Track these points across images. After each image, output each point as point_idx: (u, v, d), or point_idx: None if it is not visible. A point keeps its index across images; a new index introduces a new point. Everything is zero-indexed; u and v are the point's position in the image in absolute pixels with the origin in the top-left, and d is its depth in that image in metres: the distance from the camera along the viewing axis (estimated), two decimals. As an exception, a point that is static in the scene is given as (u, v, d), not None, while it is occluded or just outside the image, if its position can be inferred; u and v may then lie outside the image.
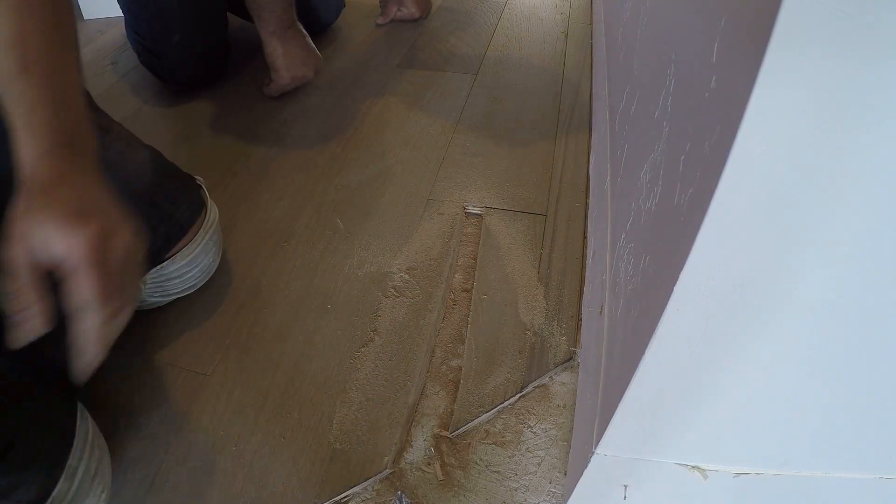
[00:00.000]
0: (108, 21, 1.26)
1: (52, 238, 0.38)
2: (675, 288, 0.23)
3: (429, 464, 0.49)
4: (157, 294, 0.61)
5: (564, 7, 1.27)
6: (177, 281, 0.60)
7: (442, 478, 0.48)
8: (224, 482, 0.49)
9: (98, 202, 0.42)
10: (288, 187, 0.79)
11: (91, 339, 0.40)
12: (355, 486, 0.48)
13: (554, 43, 1.13)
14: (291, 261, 0.68)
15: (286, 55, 0.92)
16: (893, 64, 0.16)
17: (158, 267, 0.58)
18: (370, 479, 0.48)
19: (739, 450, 0.32)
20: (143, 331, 0.61)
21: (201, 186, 0.63)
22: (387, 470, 0.49)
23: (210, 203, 0.63)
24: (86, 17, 1.28)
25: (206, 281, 0.64)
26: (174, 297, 0.62)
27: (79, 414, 0.46)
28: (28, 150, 0.41)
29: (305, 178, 0.81)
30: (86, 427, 0.47)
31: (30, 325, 0.38)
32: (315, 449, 0.51)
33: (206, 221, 0.61)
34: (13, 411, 0.41)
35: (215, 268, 0.65)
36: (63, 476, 0.43)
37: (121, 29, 1.05)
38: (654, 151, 0.34)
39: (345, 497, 0.48)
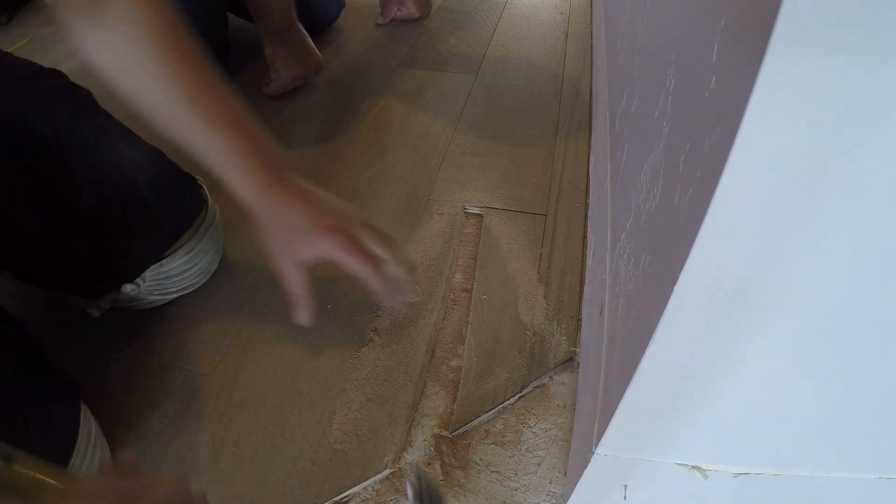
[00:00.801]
0: (108, 21, 1.26)
1: (306, 251, 0.51)
2: (675, 288, 0.23)
3: (429, 464, 0.49)
4: (157, 292, 0.61)
5: (564, 7, 1.27)
6: (176, 279, 0.61)
7: (442, 478, 0.48)
8: (224, 482, 0.49)
9: (322, 206, 0.52)
10: (288, 187, 0.79)
11: (380, 288, 0.53)
12: (355, 486, 0.48)
13: (554, 43, 1.13)
14: (291, 261, 0.68)
15: (286, 55, 0.92)
16: (894, 64, 0.16)
17: (158, 264, 0.58)
18: (370, 479, 0.48)
19: (739, 450, 0.32)
20: (143, 331, 0.61)
21: (202, 185, 0.63)
22: (387, 470, 0.49)
23: (210, 202, 0.63)
24: (86, 17, 1.28)
25: (205, 280, 0.64)
26: (174, 295, 0.62)
27: (81, 414, 0.47)
28: (243, 189, 0.50)
29: (305, 178, 0.81)
30: (88, 427, 0.47)
31: (303, 314, 0.53)
32: (315, 449, 0.51)
33: (206, 220, 0.61)
34: (17, 413, 0.41)
35: (215, 267, 0.65)
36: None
37: (121, 29, 1.05)
38: (654, 151, 0.34)
39: (345, 497, 0.48)
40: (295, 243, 0.51)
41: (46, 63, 0.58)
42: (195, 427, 0.53)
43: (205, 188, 0.63)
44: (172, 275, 0.60)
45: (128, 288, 0.58)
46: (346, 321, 0.61)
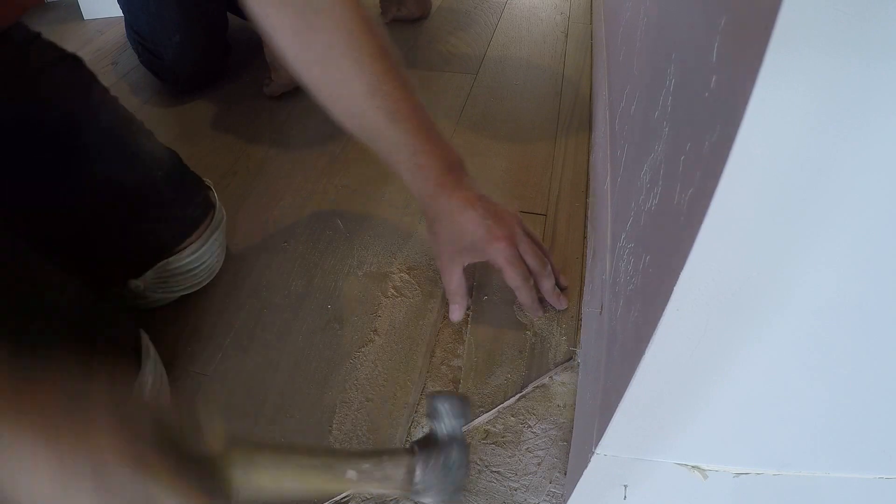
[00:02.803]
0: (108, 21, 1.26)
1: (472, 256, 0.55)
2: (675, 288, 0.23)
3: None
4: (161, 291, 0.61)
5: (564, 7, 1.27)
6: (181, 277, 0.61)
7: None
8: (224, 482, 0.49)
9: (494, 213, 0.55)
10: (288, 187, 0.79)
11: (530, 302, 0.57)
12: (355, 486, 0.48)
13: (554, 43, 1.13)
14: (291, 261, 0.68)
15: (286, 55, 0.92)
16: (894, 63, 0.16)
17: (165, 262, 0.59)
18: (370, 479, 0.48)
19: (739, 450, 0.32)
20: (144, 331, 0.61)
21: (210, 188, 0.64)
22: (387, 470, 0.49)
23: (219, 205, 0.64)
24: (85, 17, 1.28)
25: (209, 281, 0.65)
26: (178, 294, 0.62)
27: (141, 333, 0.49)
28: (419, 188, 0.55)
29: (305, 178, 0.81)
30: (146, 344, 0.49)
31: (458, 312, 0.58)
32: (315, 449, 0.51)
33: (213, 221, 0.62)
34: (90, 335, 0.43)
35: (218, 269, 0.65)
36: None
37: (121, 29, 1.05)
38: (654, 151, 0.34)
39: (345, 497, 0.48)
40: (463, 246, 0.55)
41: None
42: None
43: (213, 191, 0.64)
44: (178, 273, 0.60)
45: (133, 283, 0.58)
46: (347, 321, 0.61)
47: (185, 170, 0.62)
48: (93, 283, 0.59)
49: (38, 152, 0.51)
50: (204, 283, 0.64)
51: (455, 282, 0.57)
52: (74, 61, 0.55)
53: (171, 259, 0.59)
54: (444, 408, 0.39)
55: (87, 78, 0.56)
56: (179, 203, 0.59)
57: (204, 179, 0.64)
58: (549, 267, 0.58)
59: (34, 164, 0.52)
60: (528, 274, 0.56)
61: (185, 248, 0.59)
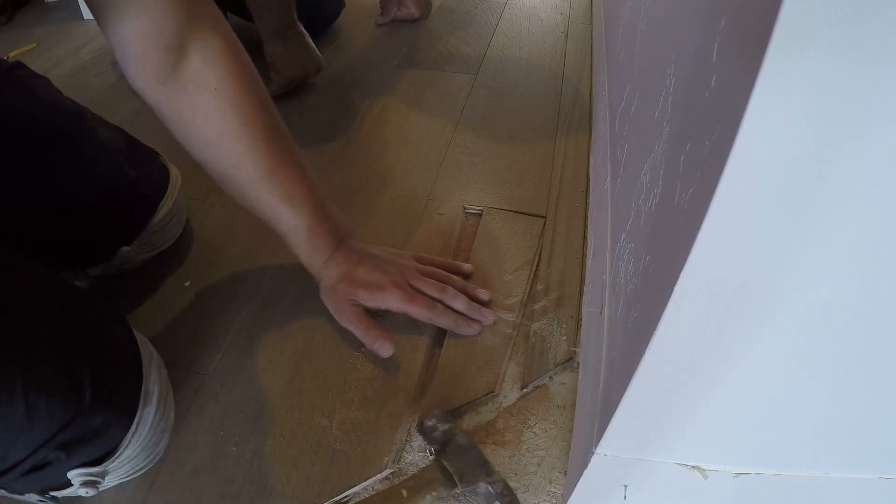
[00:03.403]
0: (108, 21, 1.26)
1: (371, 303, 0.57)
2: (675, 288, 0.23)
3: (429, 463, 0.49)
4: (145, 251, 0.65)
5: (564, 7, 1.27)
6: (159, 234, 0.66)
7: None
8: (224, 482, 0.49)
9: (381, 264, 0.58)
10: (288, 187, 0.79)
11: (453, 325, 0.58)
12: (355, 486, 0.48)
13: (554, 43, 1.13)
14: (291, 261, 0.68)
15: (286, 55, 0.92)
16: (894, 64, 0.16)
17: (144, 230, 0.63)
18: (370, 479, 0.48)
19: (739, 450, 0.32)
20: (143, 330, 0.61)
21: (158, 153, 0.69)
22: (387, 470, 0.49)
23: (171, 165, 0.69)
24: (85, 17, 1.28)
25: (180, 233, 0.70)
26: (158, 250, 0.67)
27: (138, 339, 0.49)
28: (308, 260, 0.59)
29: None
30: (148, 351, 0.49)
31: (385, 346, 0.55)
32: (315, 449, 0.51)
33: (171, 181, 0.67)
34: (87, 348, 0.43)
35: (184, 221, 0.71)
36: (142, 402, 0.45)
37: (121, 29, 1.05)
38: (654, 151, 0.34)
39: (345, 497, 0.48)
40: (363, 299, 0.57)
41: (47, 63, 0.59)
42: (195, 427, 0.53)
43: (161, 155, 0.69)
44: (156, 231, 0.65)
45: (124, 250, 0.62)
46: (346, 321, 0.61)
47: (136, 144, 0.66)
48: (79, 263, 0.63)
49: (11, 157, 0.54)
50: (177, 236, 0.69)
51: (365, 327, 0.56)
52: (21, 68, 0.59)
53: (147, 226, 0.64)
54: (430, 423, 0.49)
55: (36, 81, 0.59)
56: (144, 175, 0.63)
57: (150, 147, 0.68)
58: (451, 290, 0.58)
59: (11, 169, 0.55)
60: (433, 303, 0.57)
61: (159, 209, 0.64)
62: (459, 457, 0.46)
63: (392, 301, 0.56)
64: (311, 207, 0.56)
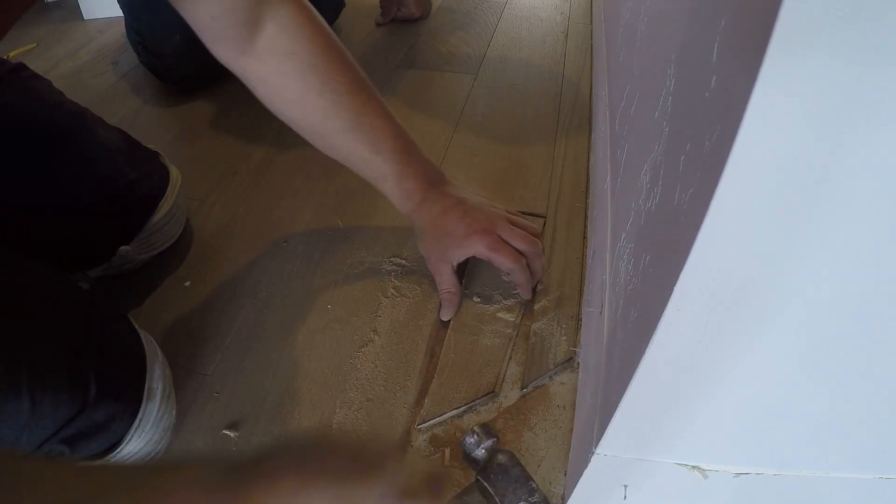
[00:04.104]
0: (108, 21, 1.26)
1: (459, 252, 0.58)
2: (675, 288, 0.23)
3: (429, 464, 0.49)
4: (145, 251, 0.65)
5: (564, 7, 1.27)
6: (159, 234, 0.66)
7: (442, 477, 0.48)
8: (224, 482, 0.49)
9: (472, 210, 0.58)
10: (288, 187, 0.79)
11: (524, 282, 0.59)
12: (355, 486, 0.48)
13: (554, 43, 1.13)
14: (291, 261, 0.68)
15: (286, 55, 0.92)
16: (894, 64, 0.16)
17: (143, 229, 0.64)
18: (370, 479, 0.48)
19: (739, 450, 0.32)
20: (144, 330, 0.61)
21: (159, 153, 0.69)
22: (387, 470, 0.49)
23: (170, 165, 0.69)
24: (85, 17, 1.28)
25: (180, 232, 0.69)
26: (158, 250, 0.67)
27: (142, 337, 0.50)
28: (401, 205, 0.59)
29: (305, 178, 0.81)
30: (153, 349, 0.50)
31: (447, 309, 0.59)
32: (315, 449, 0.51)
33: (171, 181, 0.67)
34: (92, 344, 0.44)
35: (185, 219, 0.71)
36: (145, 398, 0.46)
37: (121, 29, 1.05)
38: (654, 151, 0.34)
39: (345, 497, 0.48)
40: (448, 246, 0.58)
41: (46, 63, 0.59)
42: (195, 427, 0.53)
43: (162, 155, 0.69)
44: (156, 230, 0.65)
45: (123, 250, 0.62)
46: (346, 321, 0.61)
47: (136, 145, 0.67)
48: (79, 264, 0.63)
49: (12, 157, 0.55)
50: (177, 235, 0.69)
51: (446, 280, 0.59)
52: (23, 69, 0.59)
53: (147, 226, 0.64)
54: (471, 440, 0.48)
55: (36, 82, 0.60)
56: (144, 175, 0.64)
57: (150, 147, 0.68)
58: (540, 247, 0.60)
59: (12, 169, 0.55)
60: (518, 255, 0.57)
61: (158, 209, 0.65)
62: (501, 477, 0.45)
63: (478, 247, 0.57)
64: (398, 154, 0.57)
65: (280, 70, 0.51)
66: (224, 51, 0.50)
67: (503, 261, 0.57)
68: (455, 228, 0.57)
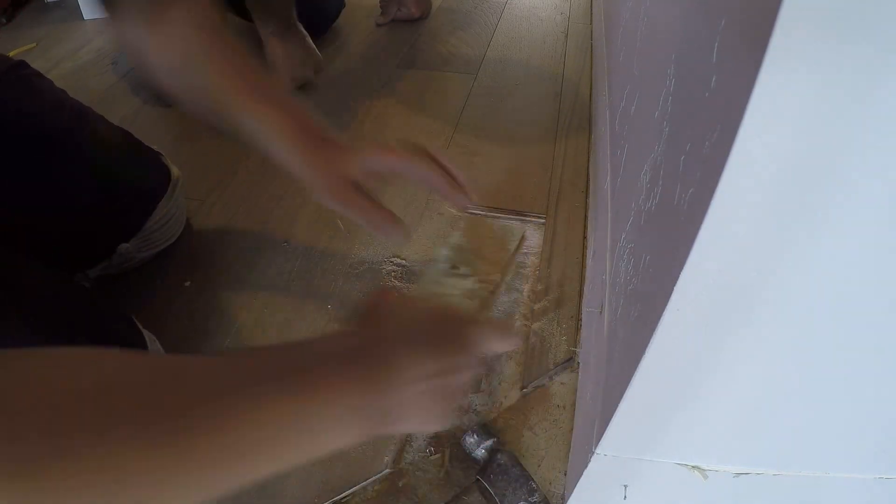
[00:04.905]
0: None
1: (355, 168, 0.50)
2: (675, 288, 0.23)
3: (429, 464, 0.49)
4: (144, 250, 0.66)
5: (564, 7, 1.27)
6: (159, 233, 0.66)
7: (442, 478, 0.48)
8: (224, 482, 0.49)
9: (359, 144, 0.52)
10: (288, 187, 0.79)
11: (447, 187, 0.50)
12: (355, 486, 0.48)
13: (554, 43, 1.13)
14: (291, 261, 0.68)
15: (286, 55, 0.92)
16: (894, 64, 0.16)
17: (143, 227, 0.64)
18: (370, 479, 0.48)
19: (739, 450, 0.32)
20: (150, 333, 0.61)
21: (160, 153, 0.70)
22: (387, 470, 0.49)
23: (171, 165, 0.70)
24: (85, 17, 1.28)
25: (180, 232, 0.70)
26: (158, 249, 0.67)
27: (146, 336, 0.50)
28: (287, 160, 0.52)
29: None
30: (156, 349, 0.50)
31: (397, 228, 0.50)
32: (315, 449, 0.51)
33: (172, 180, 0.68)
34: (93, 342, 0.44)
35: (184, 220, 0.71)
36: None
37: (121, 29, 1.05)
38: (654, 151, 0.34)
39: (345, 497, 0.48)
40: (342, 172, 0.50)
41: (47, 63, 0.59)
42: (195, 427, 0.53)
43: (163, 155, 0.70)
44: (156, 229, 0.66)
45: (123, 247, 0.62)
46: (346, 321, 0.61)
47: (138, 144, 0.67)
48: (80, 263, 0.63)
49: (13, 155, 0.55)
50: (177, 235, 0.69)
51: (362, 206, 0.50)
52: (25, 67, 0.59)
53: (147, 224, 0.64)
54: (471, 439, 0.47)
55: (40, 81, 0.60)
56: (146, 173, 0.65)
57: (151, 147, 0.69)
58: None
59: (13, 168, 0.56)
60: (413, 158, 0.51)
61: (157, 207, 0.65)
62: (500, 477, 0.45)
63: (372, 149, 0.50)
64: (278, 109, 0.52)
65: (183, 36, 0.49)
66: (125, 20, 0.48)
67: (398, 160, 0.51)
68: (338, 151, 0.51)
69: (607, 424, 0.32)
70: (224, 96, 0.51)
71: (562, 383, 0.55)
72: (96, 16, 1.28)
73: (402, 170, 0.51)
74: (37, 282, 0.43)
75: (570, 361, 0.56)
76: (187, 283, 0.66)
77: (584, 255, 0.67)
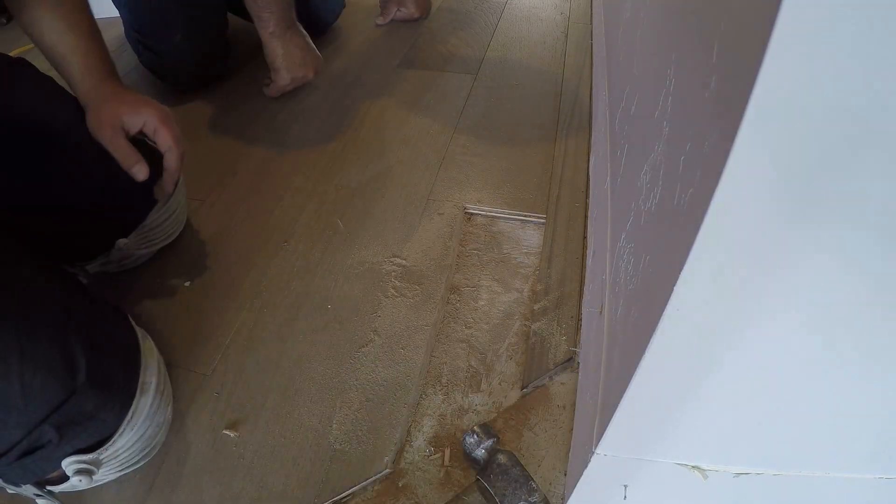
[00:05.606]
0: (108, 21, 1.26)
1: (137, 118, 0.60)
2: (674, 288, 0.23)
3: (429, 464, 0.49)
4: (145, 246, 0.66)
5: (564, 7, 1.28)
6: (158, 230, 0.66)
7: (442, 478, 0.48)
8: (224, 482, 0.49)
9: (142, 97, 0.62)
10: (288, 187, 0.79)
11: (175, 165, 0.63)
12: (355, 486, 0.48)
13: (554, 43, 1.13)
14: (291, 261, 0.68)
15: (286, 55, 0.92)
16: (894, 64, 0.16)
17: (142, 224, 0.64)
18: (370, 479, 0.48)
19: (739, 450, 0.32)
20: (144, 330, 0.61)
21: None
22: (387, 470, 0.49)
23: None
24: (86, 17, 1.28)
25: (180, 230, 0.70)
26: (157, 246, 0.67)
27: (138, 333, 0.50)
28: (82, 84, 0.61)
29: (305, 178, 0.81)
30: (148, 345, 0.50)
31: (142, 169, 0.59)
32: (315, 449, 0.51)
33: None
34: (85, 332, 0.44)
35: (185, 219, 0.72)
36: (138, 391, 0.46)
37: (120, 29, 1.05)
38: (654, 151, 0.34)
39: (345, 497, 0.48)
40: (123, 112, 0.60)
41: (46, 62, 0.59)
42: (195, 427, 0.53)
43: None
44: (155, 226, 0.66)
45: (121, 242, 0.62)
46: (346, 321, 0.61)
47: (139, 143, 0.67)
48: (78, 255, 0.63)
49: (13, 152, 0.56)
50: (177, 233, 0.70)
51: (120, 145, 0.59)
52: (25, 65, 0.60)
53: (146, 221, 0.65)
54: (471, 439, 0.48)
55: (38, 79, 0.60)
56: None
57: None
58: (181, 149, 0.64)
59: (13, 165, 0.56)
60: (180, 138, 0.62)
61: (157, 206, 0.66)
62: (500, 477, 0.45)
63: (148, 114, 0.60)
64: (88, 37, 0.62)
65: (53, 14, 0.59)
66: None
67: (167, 134, 0.61)
68: (133, 97, 0.61)
69: (607, 424, 0.32)
70: (69, 49, 0.60)
71: (562, 383, 0.55)
72: (96, 16, 1.28)
73: (149, 135, 0.62)
74: (29, 272, 0.44)
75: (570, 361, 0.56)
76: (187, 283, 0.66)
77: (584, 255, 0.67)
